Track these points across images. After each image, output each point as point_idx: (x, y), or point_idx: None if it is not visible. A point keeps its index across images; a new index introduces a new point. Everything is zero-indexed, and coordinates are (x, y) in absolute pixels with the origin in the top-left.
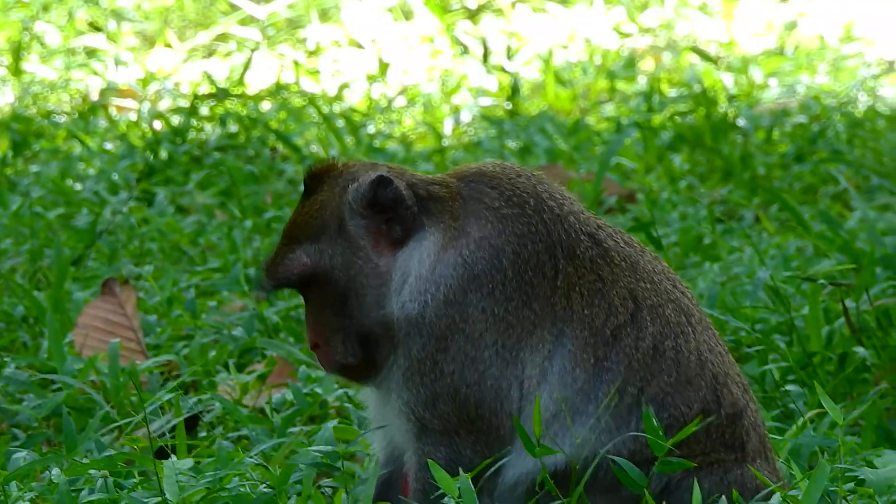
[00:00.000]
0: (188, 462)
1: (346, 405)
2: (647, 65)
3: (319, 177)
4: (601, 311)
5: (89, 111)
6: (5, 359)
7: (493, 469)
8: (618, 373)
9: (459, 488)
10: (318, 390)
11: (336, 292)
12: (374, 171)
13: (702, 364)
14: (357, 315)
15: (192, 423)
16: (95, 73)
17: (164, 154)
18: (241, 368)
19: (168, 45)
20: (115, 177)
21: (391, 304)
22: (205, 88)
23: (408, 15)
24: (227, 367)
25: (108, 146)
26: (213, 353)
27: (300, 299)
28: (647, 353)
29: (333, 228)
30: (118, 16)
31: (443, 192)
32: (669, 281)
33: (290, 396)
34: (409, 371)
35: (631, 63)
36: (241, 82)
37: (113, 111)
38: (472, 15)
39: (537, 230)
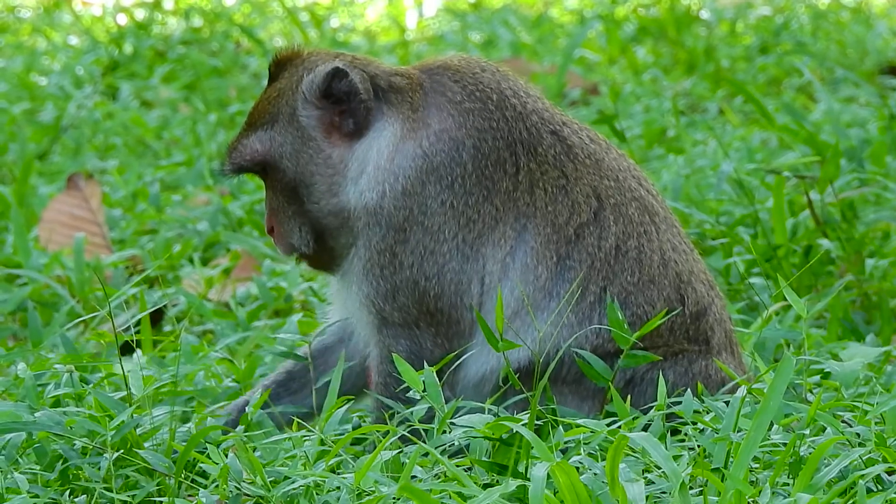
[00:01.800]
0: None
1: (311, 299)
2: None
3: (283, 64)
4: (564, 209)
5: (54, 6)
6: None
7: (456, 364)
8: (580, 271)
9: (424, 382)
10: (283, 284)
11: (286, 180)
12: (333, 61)
13: (665, 263)
14: (307, 203)
15: (156, 318)
16: None
17: (128, 48)
18: (205, 262)
19: None
20: (80, 71)
21: (347, 193)
22: None
23: None
24: (191, 261)
25: (73, 41)
26: (177, 248)
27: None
28: (610, 252)
29: (286, 117)
30: None
31: (404, 84)
32: (634, 179)
33: (254, 290)
34: (368, 263)
35: None
36: None
37: (77, 6)
38: None
39: (498, 126)
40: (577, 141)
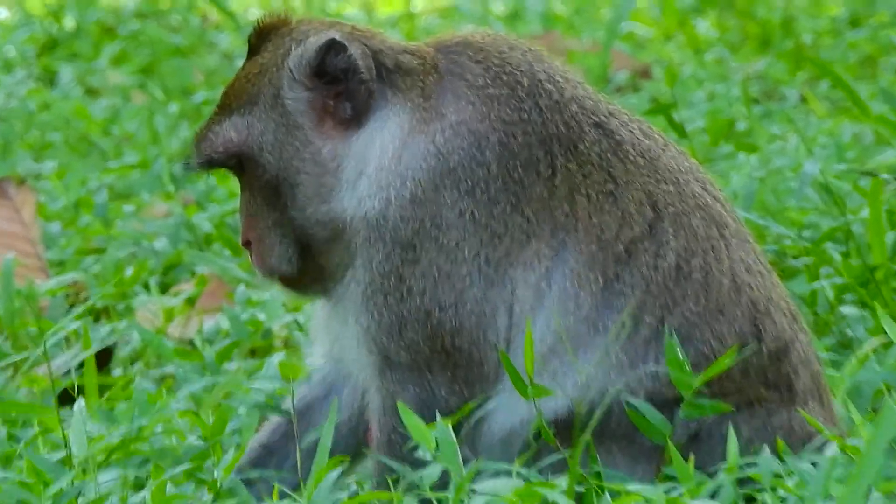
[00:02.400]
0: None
1: (296, 334)
2: None
3: (266, 34)
4: (612, 220)
5: None
6: None
7: (477, 416)
8: (632, 298)
9: (437, 438)
10: (261, 316)
11: (266, 178)
12: (327, 31)
13: (737, 288)
14: (291, 208)
15: (104, 359)
16: None
17: (69, 23)
18: (164, 289)
19: None
20: (11, 51)
21: (341, 199)
22: None
23: None
24: (147, 287)
25: (2, 13)
26: (129, 271)
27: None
28: (669, 274)
29: (268, 99)
30: None
31: (415, 64)
32: (698, 182)
33: (225, 324)
34: (369, 289)
35: None
36: None
37: None
38: None
39: (530, 117)
40: (627, 135)
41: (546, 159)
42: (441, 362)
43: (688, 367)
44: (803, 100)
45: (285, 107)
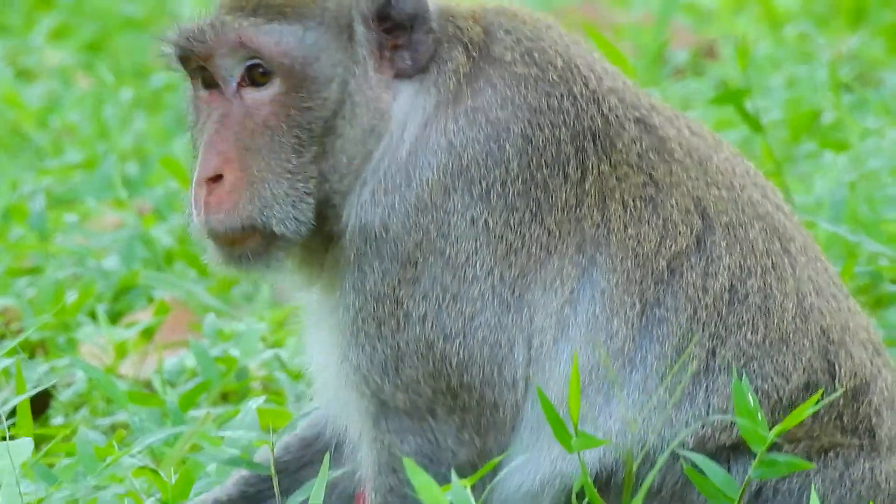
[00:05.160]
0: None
1: (278, 374)
2: None
3: None
4: (652, 232)
5: None
6: None
7: (497, 476)
8: (677, 325)
9: (451, 501)
10: (234, 352)
11: (312, 109)
12: None
13: (804, 314)
14: (329, 153)
15: (41, 404)
16: None
17: None
18: (115, 318)
19: None
20: None
21: (361, 186)
22: None
23: None
24: (94, 316)
25: None
26: (72, 296)
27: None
28: (721, 296)
29: (334, 20)
30: None
31: (460, 26)
32: (757, 188)
33: (190, 362)
34: (360, 316)
35: None
36: None
37: None
38: None
39: (561, 107)
40: (673, 132)
41: (576, 158)
42: (447, 406)
43: (761, 416)
44: None
45: (353, 36)
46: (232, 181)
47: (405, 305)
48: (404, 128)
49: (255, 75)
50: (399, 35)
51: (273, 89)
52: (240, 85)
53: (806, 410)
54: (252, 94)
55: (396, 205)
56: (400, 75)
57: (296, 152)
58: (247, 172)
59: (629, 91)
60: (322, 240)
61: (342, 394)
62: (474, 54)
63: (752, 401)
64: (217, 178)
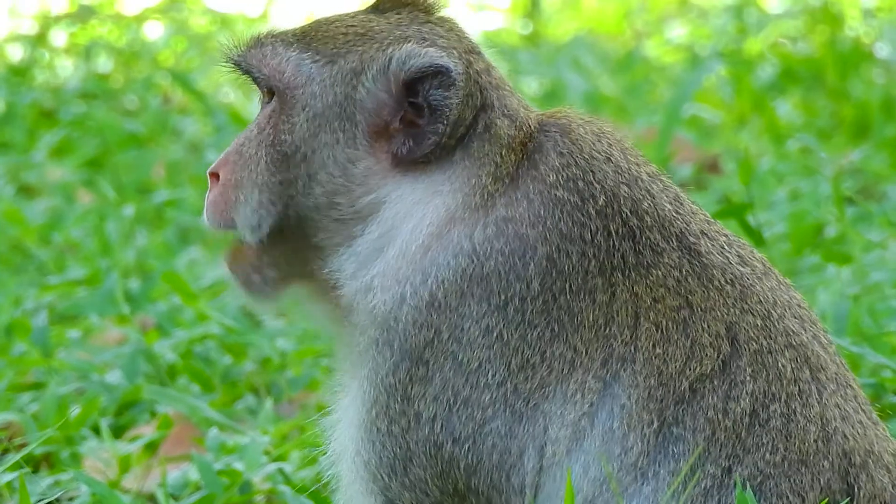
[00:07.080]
0: None
1: (281, 488)
2: None
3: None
4: (679, 352)
5: None
6: None
7: None
8: (693, 444)
9: None
10: (238, 466)
11: (286, 139)
12: (451, 55)
13: (826, 437)
14: (292, 189)
15: None
16: None
17: None
18: (119, 433)
19: None
20: None
21: (343, 259)
22: (61, 5)
23: None
24: (97, 431)
25: None
26: (76, 411)
27: (206, 325)
28: (741, 419)
29: (347, 69)
30: None
31: (508, 132)
32: (797, 320)
33: (194, 475)
34: (374, 409)
35: None
36: None
37: None
38: None
39: (593, 241)
40: (719, 260)
41: (605, 287)
42: None
43: None
44: None
45: (356, 91)
46: (222, 182)
47: (416, 405)
48: (414, 217)
49: (268, 91)
50: (419, 115)
51: (272, 105)
52: (262, 98)
53: None
54: (264, 108)
55: (408, 297)
56: (393, 160)
57: (269, 170)
58: (233, 176)
59: (680, 218)
60: (315, 281)
61: (351, 490)
62: (519, 164)
63: None
64: (214, 176)
